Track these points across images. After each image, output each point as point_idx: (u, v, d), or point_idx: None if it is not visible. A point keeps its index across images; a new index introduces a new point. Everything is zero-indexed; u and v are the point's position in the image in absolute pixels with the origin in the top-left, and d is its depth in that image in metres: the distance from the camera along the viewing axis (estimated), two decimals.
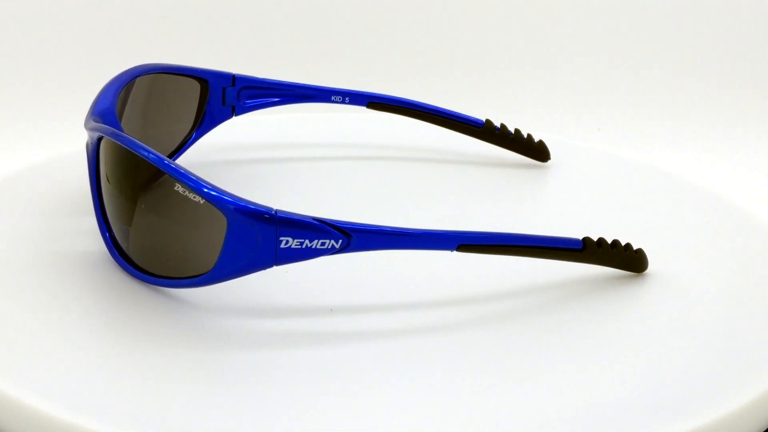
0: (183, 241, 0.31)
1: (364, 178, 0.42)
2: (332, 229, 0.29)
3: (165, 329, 0.29)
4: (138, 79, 0.39)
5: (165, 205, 0.30)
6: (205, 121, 0.41)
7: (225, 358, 0.28)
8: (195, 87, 0.41)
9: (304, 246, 0.29)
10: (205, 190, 0.28)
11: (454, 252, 0.30)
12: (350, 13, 0.70)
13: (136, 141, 0.30)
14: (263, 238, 0.28)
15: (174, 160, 0.41)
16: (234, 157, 0.43)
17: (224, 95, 0.41)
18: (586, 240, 0.32)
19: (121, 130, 0.34)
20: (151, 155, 0.30)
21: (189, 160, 0.41)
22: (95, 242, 0.33)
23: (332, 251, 0.29)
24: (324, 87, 0.42)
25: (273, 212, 0.28)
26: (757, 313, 0.32)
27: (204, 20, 0.68)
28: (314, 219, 0.29)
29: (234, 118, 0.42)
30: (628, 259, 0.33)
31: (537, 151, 0.43)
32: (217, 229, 0.29)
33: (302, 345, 0.29)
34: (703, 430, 0.26)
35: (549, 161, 0.43)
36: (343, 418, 0.26)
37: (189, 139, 0.41)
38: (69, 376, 0.27)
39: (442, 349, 0.29)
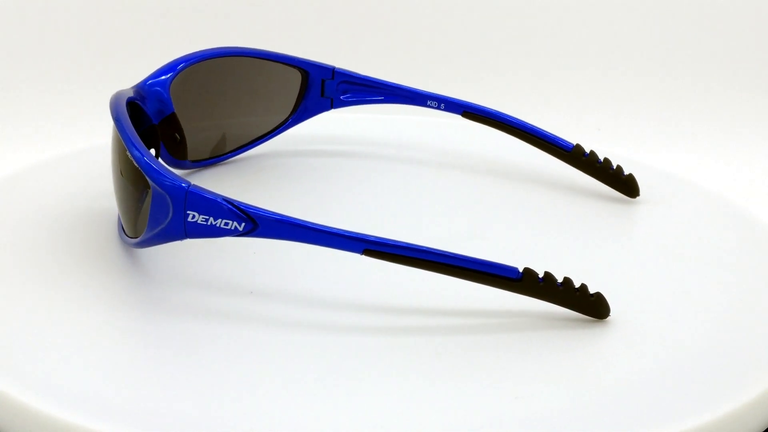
0: (133, 205, 0.33)
1: (423, 185, 0.41)
2: (238, 212, 0.29)
3: (162, 331, 0.30)
4: (236, 59, 0.41)
5: (128, 170, 0.32)
6: (301, 109, 0.43)
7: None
8: (295, 76, 0.43)
9: (209, 223, 0.30)
10: (137, 157, 0.30)
11: (362, 256, 0.29)
12: (447, 22, 0.70)
13: (121, 109, 0.33)
14: (174, 209, 0.30)
15: (263, 142, 0.43)
16: (315, 149, 0.45)
17: (323, 87, 0.43)
18: (527, 271, 0.30)
19: (168, 99, 0.37)
20: (118, 121, 0.32)
21: (278, 147, 0.44)
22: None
23: (236, 233, 0.30)
24: (421, 91, 0.42)
25: (185, 186, 0.29)
26: (757, 313, 0.31)
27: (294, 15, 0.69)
28: (223, 199, 0.29)
29: (332, 112, 0.43)
30: (582, 301, 0.30)
31: (624, 184, 0.40)
32: (148, 196, 0.31)
33: (213, 322, 0.30)
34: (703, 430, 0.26)
35: (638, 197, 0.40)
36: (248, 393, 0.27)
37: (284, 124, 0.43)
38: (69, 375, 0.27)
39: (350, 347, 0.29)
